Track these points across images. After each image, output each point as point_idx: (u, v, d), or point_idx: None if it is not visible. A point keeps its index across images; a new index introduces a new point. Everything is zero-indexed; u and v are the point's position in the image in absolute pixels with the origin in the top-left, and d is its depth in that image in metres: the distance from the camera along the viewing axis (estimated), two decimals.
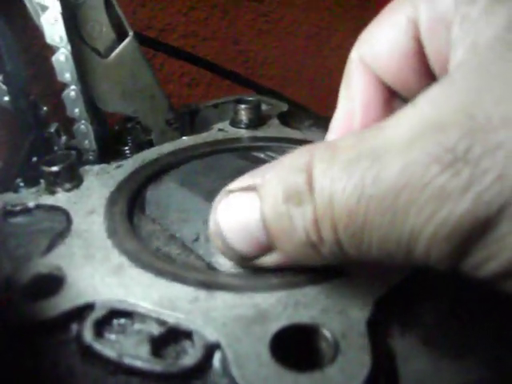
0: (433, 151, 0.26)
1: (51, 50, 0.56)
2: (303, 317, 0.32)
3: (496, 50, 0.27)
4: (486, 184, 0.24)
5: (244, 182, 0.35)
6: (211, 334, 0.32)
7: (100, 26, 0.56)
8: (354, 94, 0.40)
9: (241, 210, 0.34)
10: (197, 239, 0.43)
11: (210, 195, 0.45)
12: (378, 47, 0.38)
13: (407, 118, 0.28)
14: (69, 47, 0.55)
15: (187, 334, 0.33)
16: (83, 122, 0.58)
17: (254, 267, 0.37)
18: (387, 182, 0.27)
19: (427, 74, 0.37)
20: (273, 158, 0.56)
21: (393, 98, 0.40)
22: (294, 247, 0.32)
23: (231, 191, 0.36)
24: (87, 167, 0.54)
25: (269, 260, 0.35)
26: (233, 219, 0.35)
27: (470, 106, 0.26)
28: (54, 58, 0.55)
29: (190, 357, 0.31)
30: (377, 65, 0.39)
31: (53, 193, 0.50)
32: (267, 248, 0.34)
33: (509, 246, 0.25)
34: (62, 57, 0.55)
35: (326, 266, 0.34)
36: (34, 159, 0.57)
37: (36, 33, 0.56)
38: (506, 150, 0.24)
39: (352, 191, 0.28)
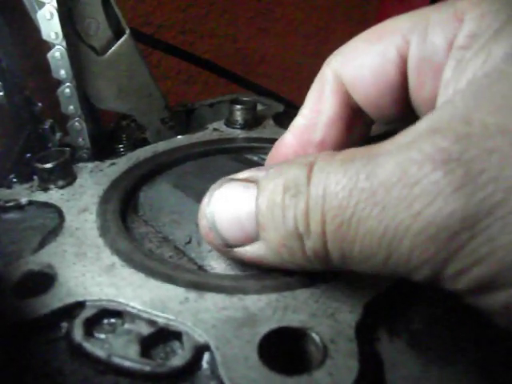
0: (427, 151, 0.27)
1: (47, 45, 0.56)
2: (292, 320, 0.33)
3: (492, 76, 0.29)
4: (479, 184, 0.25)
5: (247, 174, 0.36)
6: (200, 336, 0.32)
7: (96, 23, 0.56)
8: (323, 109, 0.42)
9: (236, 198, 0.35)
10: (189, 242, 0.43)
11: (202, 197, 0.45)
12: (362, 72, 0.39)
13: (404, 134, 0.29)
14: (64, 44, 0.54)
15: (177, 335, 0.33)
16: (77, 119, 0.58)
17: (231, 257, 0.37)
18: (380, 178, 0.28)
19: (405, 104, 0.39)
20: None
21: (355, 118, 0.42)
22: (279, 238, 0.33)
23: (232, 179, 0.37)
24: (81, 164, 0.54)
25: (249, 250, 0.35)
26: (226, 204, 0.36)
27: (466, 114, 0.27)
28: (49, 55, 0.55)
29: (179, 358, 0.31)
30: (355, 88, 0.40)
31: (46, 189, 0.50)
32: (251, 238, 0.35)
33: (498, 248, 0.25)
34: (58, 53, 0.54)
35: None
36: (28, 155, 0.57)
37: (32, 28, 0.56)
38: (501, 153, 0.25)
39: (345, 184, 0.29)
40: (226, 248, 0.37)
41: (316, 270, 0.34)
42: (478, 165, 0.25)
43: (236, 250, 0.36)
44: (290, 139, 0.44)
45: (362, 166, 0.29)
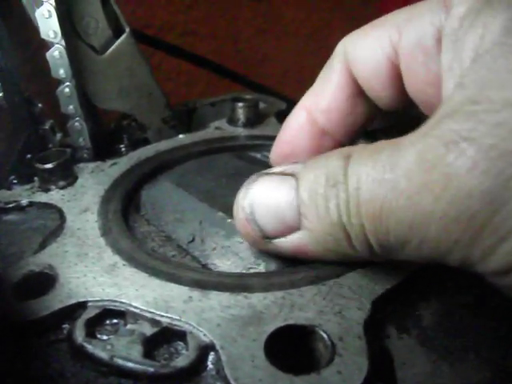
0: (441, 135, 0.27)
1: (48, 47, 0.55)
2: (299, 318, 0.32)
3: (494, 52, 0.29)
4: (492, 159, 0.25)
5: (283, 168, 0.36)
6: (205, 335, 0.31)
7: (96, 22, 0.56)
8: (331, 78, 0.43)
9: (274, 189, 0.35)
10: (192, 240, 0.42)
11: (205, 196, 0.44)
12: (360, 56, 0.41)
13: (426, 123, 0.30)
14: (63, 43, 0.54)
15: (181, 335, 0.32)
16: (78, 119, 0.57)
17: (268, 249, 0.37)
18: (403, 168, 0.28)
19: (401, 92, 0.40)
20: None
21: (359, 94, 0.43)
22: (324, 227, 0.33)
23: (268, 173, 0.37)
24: (82, 165, 0.54)
25: (290, 240, 0.35)
26: (264, 196, 0.36)
27: (475, 94, 0.27)
28: (48, 54, 0.54)
29: (184, 358, 0.31)
30: (355, 68, 0.41)
31: (46, 190, 0.49)
32: (292, 228, 0.34)
33: None
34: (57, 53, 0.54)
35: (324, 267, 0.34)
36: (28, 156, 0.56)
37: (34, 30, 0.56)
38: (509, 126, 0.25)
39: (374, 176, 0.29)
40: (263, 240, 0.36)
41: (360, 259, 0.34)
42: (487, 140, 0.26)
43: (275, 241, 0.36)
44: (301, 108, 0.45)
45: (387, 157, 0.29)
